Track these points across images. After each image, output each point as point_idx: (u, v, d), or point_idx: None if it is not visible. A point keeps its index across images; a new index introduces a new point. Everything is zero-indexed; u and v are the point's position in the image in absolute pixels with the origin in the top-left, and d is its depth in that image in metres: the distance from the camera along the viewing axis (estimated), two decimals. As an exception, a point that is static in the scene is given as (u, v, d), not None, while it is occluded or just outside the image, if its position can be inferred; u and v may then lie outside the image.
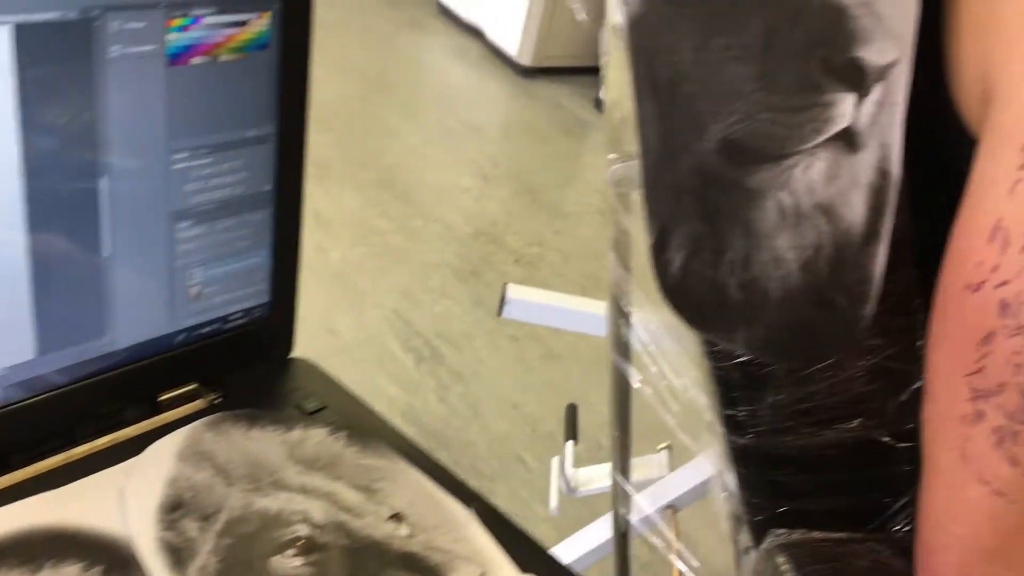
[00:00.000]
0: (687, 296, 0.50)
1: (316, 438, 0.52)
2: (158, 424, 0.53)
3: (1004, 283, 0.44)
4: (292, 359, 0.61)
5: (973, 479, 0.47)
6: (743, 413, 0.58)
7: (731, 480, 0.63)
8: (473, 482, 1.68)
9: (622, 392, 0.75)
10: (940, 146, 0.50)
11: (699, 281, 0.49)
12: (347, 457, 0.51)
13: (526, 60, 3.21)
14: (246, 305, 0.55)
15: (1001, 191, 0.44)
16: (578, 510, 1.31)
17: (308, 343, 1.94)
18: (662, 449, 1.17)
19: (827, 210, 0.47)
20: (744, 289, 0.49)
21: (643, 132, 0.48)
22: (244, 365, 0.57)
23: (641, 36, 0.46)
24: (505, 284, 1.17)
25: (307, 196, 1.89)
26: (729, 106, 0.46)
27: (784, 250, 0.48)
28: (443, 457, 1.67)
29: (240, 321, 0.55)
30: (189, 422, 0.52)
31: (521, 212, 2.44)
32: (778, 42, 0.44)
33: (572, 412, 1.28)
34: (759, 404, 0.58)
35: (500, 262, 2.21)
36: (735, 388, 0.58)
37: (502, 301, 1.15)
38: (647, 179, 0.48)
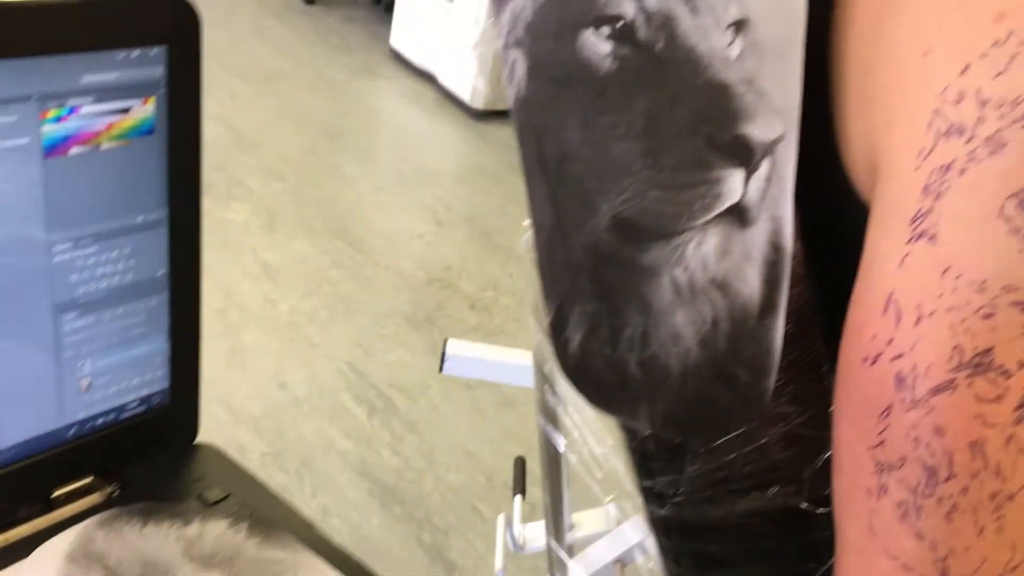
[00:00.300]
0: (587, 375, 0.49)
1: (215, 532, 0.50)
2: (52, 522, 0.51)
3: (899, 356, 0.44)
4: (197, 445, 0.59)
5: (881, 553, 0.46)
6: (661, 483, 0.57)
7: (655, 550, 0.62)
8: (427, 536, 1.65)
9: (551, 456, 0.74)
10: (840, 215, 0.50)
11: (598, 359, 0.48)
12: (247, 551, 0.50)
13: (479, 104, 3.23)
14: (143, 393, 0.54)
15: (892, 264, 0.44)
16: (535, 560, 1.29)
17: (258, 399, 1.91)
18: (610, 501, 1.16)
19: (722, 285, 0.46)
20: (644, 366, 0.48)
21: (534, 211, 0.47)
22: (144, 455, 0.55)
23: (528, 116, 0.45)
24: (445, 340, 1.16)
25: (256, 247, 1.87)
26: (618, 184, 0.45)
27: (682, 326, 0.47)
28: (396, 511, 1.65)
29: (138, 410, 0.54)
30: (85, 517, 0.50)
31: (475, 256, 2.44)
32: (664, 120, 0.44)
33: (521, 465, 1.26)
34: (676, 474, 0.57)
35: (455, 308, 2.20)
36: (651, 458, 0.57)
37: (443, 358, 1.14)
38: (541, 258, 0.48)
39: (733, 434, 0.52)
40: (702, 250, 0.46)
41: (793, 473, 0.56)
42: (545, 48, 0.44)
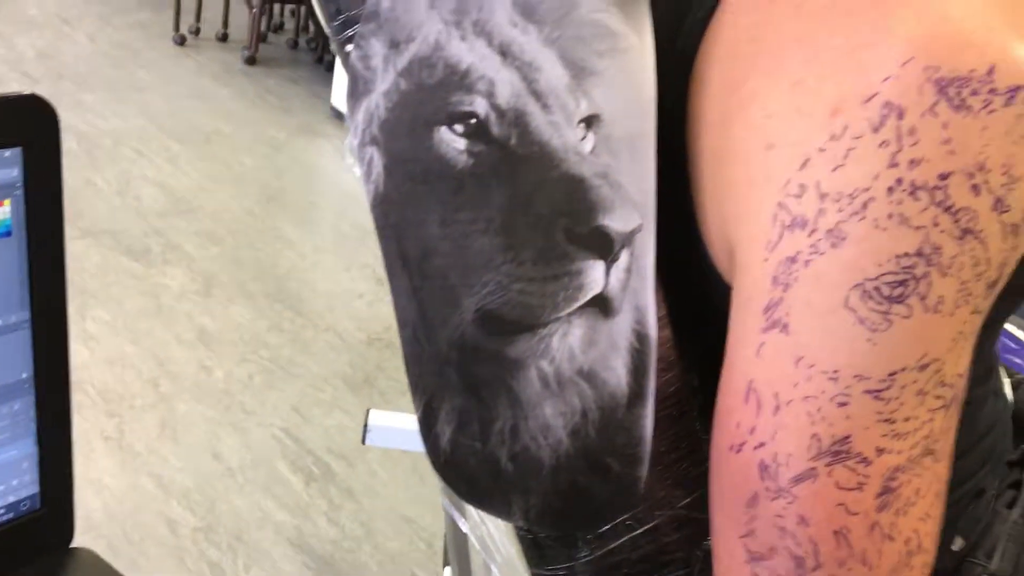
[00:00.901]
0: (459, 470, 0.48)
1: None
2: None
3: (761, 445, 0.44)
4: (72, 550, 0.57)
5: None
6: (551, 570, 0.57)
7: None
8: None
9: (457, 538, 0.73)
10: (708, 298, 0.50)
11: (469, 454, 0.48)
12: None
13: (420, 161, 3.24)
14: (10, 500, 0.52)
15: (750, 352, 0.44)
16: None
17: (190, 471, 1.86)
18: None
19: (589, 375, 0.46)
20: (515, 459, 0.48)
21: (398, 306, 0.47)
22: (14, 563, 0.53)
23: (387, 212, 0.45)
24: (368, 410, 1.14)
25: (192, 313, 1.84)
26: (481, 278, 0.45)
27: (551, 417, 0.47)
28: (333, 583, 1.61)
29: (6, 517, 0.52)
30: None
31: (416, 315, 2.42)
32: (522, 214, 0.44)
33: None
34: (569, 561, 0.57)
35: (395, 368, 2.18)
36: (543, 546, 0.56)
37: (365, 429, 1.12)
38: (407, 353, 0.47)
39: (613, 523, 0.51)
40: (568, 341, 0.46)
41: (683, 556, 0.56)
42: (401, 145, 0.44)
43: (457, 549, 0.71)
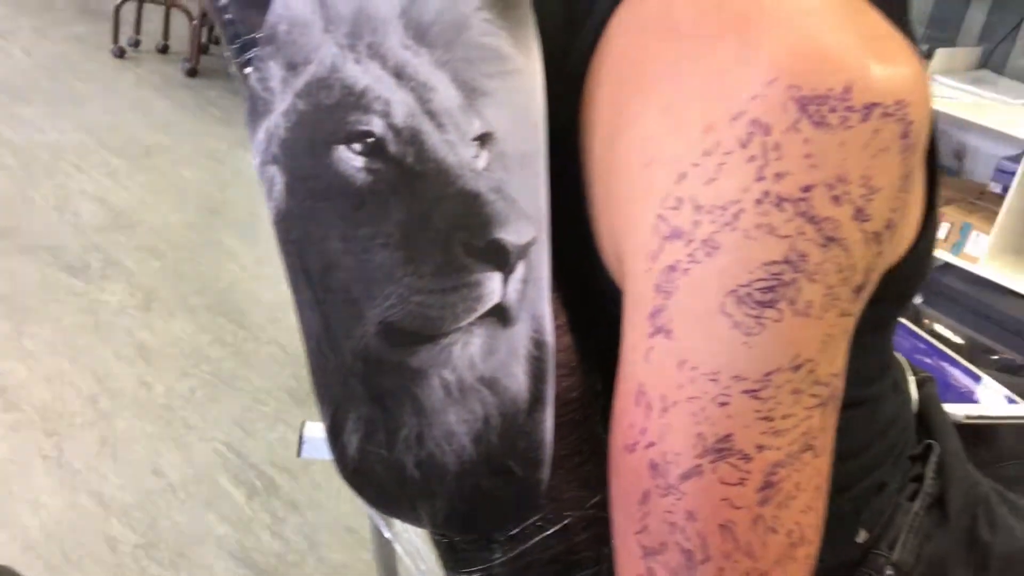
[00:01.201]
0: (367, 478, 0.50)
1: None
2: None
3: (651, 444, 0.46)
4: (-12, 567, 0.57)
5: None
6: (467, 573, 0.58)
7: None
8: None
9: (381, 546, 0.74)
10: (604, 305, 0.53)
11: (377, 462, 0.49)
12: None
13: (365, 171, 3.24)
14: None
15: (639, 357, 0.46)
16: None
17: (130, 488, 1.84)
18: None
19: (490, 383, 0.48)
20: (421, 466, 0.49)
21: (302, 319, 0.48)
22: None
23: (290, 229, 0.47)
24: (303, 422, 1.14)
25: (131, 328, 1.82)
26: (383, 291, 0.47)
27: (455, 424, 0.48)
28: (277, 597, 1.60)
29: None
30: None
31: (361, 326, 2.42)
32: (420, 229, 0.46)
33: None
34: (483, 564, 0.58)
35: (339, 380, 2.18)
36: (457, 550, 0.58)
37: (300, 441, 1.12)
38: (313, 365, 0.48)
39: (519, 524, 0.53)
40: (468, 350, 0.47)
41: (592, 555, 0.58)
42: (301, 164, 0.45)
43: (383, 558, 0.73)
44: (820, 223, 0.42)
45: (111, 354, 2.07)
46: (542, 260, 0.48)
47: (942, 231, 2.00)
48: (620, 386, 0.48)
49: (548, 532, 0.57)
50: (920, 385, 0.81)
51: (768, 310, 0.43)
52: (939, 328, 2.13)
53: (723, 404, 0.44)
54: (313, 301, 0.47)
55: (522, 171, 0.46)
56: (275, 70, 0.45)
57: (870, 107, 0.41)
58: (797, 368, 0.44)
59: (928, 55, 2.21)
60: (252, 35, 0.44)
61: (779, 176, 0.41)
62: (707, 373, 0.44)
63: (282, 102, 0.45)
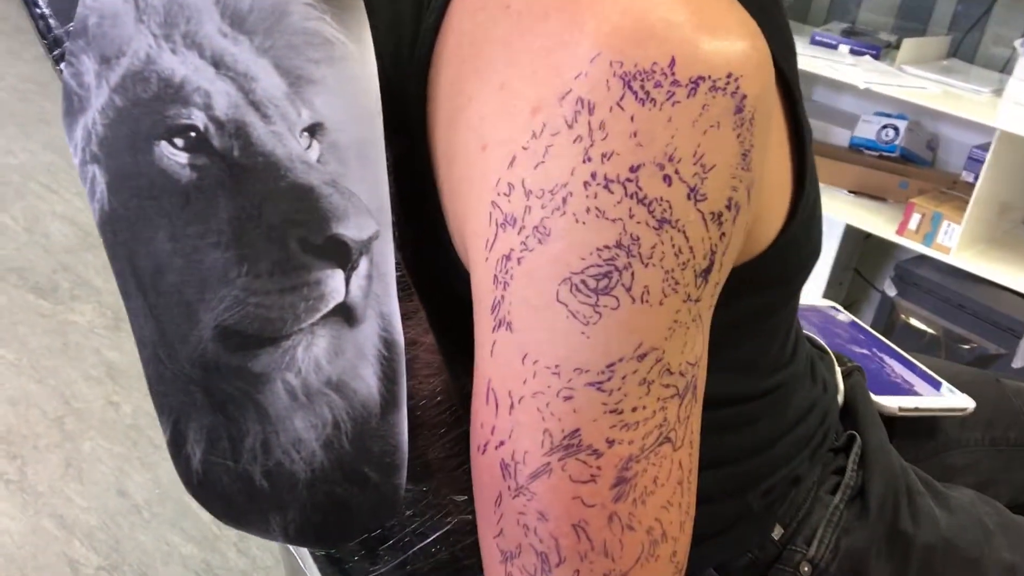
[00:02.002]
0: (213, 490, 0.47)
1: None
2: None
3: (501, 444, 0.44)
4: None
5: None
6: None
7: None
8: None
9: (290, 562, 0.72)
10: (463, 300, 0.50)
11: (222, 473, 0.47)
12: None
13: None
14: None
15: (485, 352, 0.44)
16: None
17: (95, 510, 1.81)
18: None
19: (338, 386, 0.46)
20: (270, 476, 0.47)
21: (136, 326, 0.46)
22: None
23: (116, 230, 0.45)
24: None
25: (100, 348, 1.80)
26: (217, 293, 0.44)
27: (302, 430, 0.46)
28: (243, 616, 1.58)
29: None
30: None
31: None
32: (252, 226, 0.44)
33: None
34: (366, 574, 0.56)
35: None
36: (336, 560, 0.56)
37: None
38: (149, 374, 0.46)
39: (406, 532, 0.51)
40: (313, 352, 0.45)
41: (476, 562, 0.55)
42: (122, 162, 0.43)
43: (292, 572, 0.70)
44: (651, 204, 0.39)
45: (79, 375, 2.05)
46: (387, 255, 0.45)
47: (913, 222, 1.97)
48: (474, 385, 0.45)
49: (430, 539, 0.54)
50: (847, 376, 0.79)
51: (604, 297, 0.40)
52: (913, 321, 2.10)
53: (568, 398, 0.42)
54: (146, 307, 0.45)
55: (359, 162, 0.44)
56: (88, 64, 0.42)
57: (697, 81, 0.39)
58: (642, 357, 0.42)
59: (896, 45, 2.19)
60: (64, 28, 0.42)
61: (605, 156, 0.39)
62: (549, 366, 0.42)
63: (98, 98, 0.43)
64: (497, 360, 0.43)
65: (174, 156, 0.43)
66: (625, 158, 0.39)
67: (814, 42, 2.18)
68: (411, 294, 0.48)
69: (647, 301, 0.40)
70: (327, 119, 0.43)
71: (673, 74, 0.38)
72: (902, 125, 2.19)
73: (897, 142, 2.21)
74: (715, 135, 0.39)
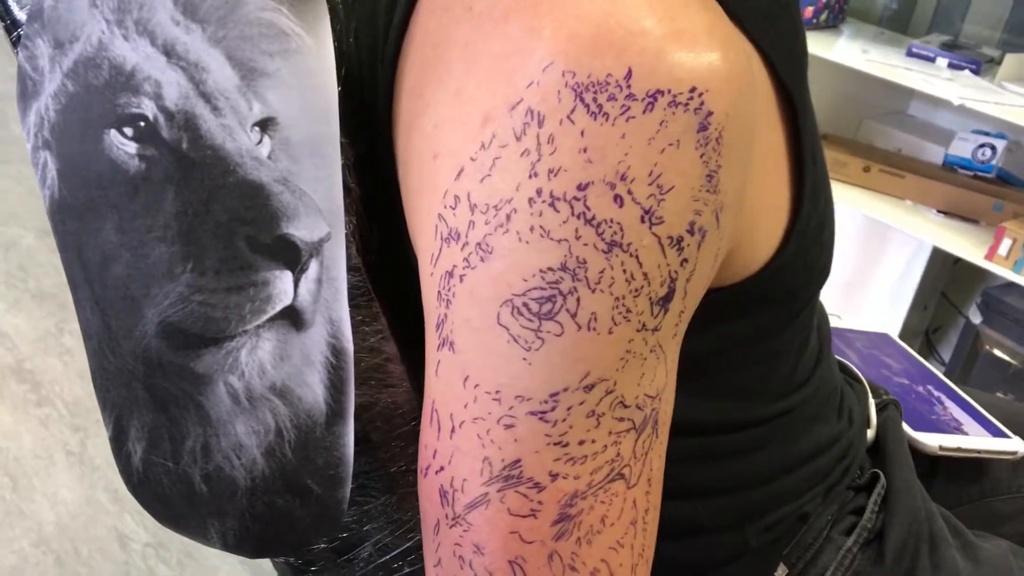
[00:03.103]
0: (152, 490, 0.46)
1: None
2: None
3: (441, 469, 0.41)
4: None
5: None
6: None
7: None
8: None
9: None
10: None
11: (163, 474, 0.46)
12: None
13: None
14: None
15: (431, 372, 0.41)
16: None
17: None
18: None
19: (283, 392, 0.44)
20: (209, 480, 0.45)
21: (82, 317, 0.45)
22: None
23: (65, 219, 0.44)
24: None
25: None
26: (162, 289, 0.43)
27: (244, 436, 0.44)
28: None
29: None
30: None
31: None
32: (199, 222, 0.42)
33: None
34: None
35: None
36: (313, 563, 0.54)
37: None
38: (94, 368, 0.45)
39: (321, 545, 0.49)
40: (258, 355, 0.43)
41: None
42: (73, 150, 0.42)
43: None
44: (600, 226, 0.36)
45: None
46: (337, 259, 0.43)
47: (1004, 247, 1.86)
48: (423, 403, 0.43)
49: (391, 554, 0.52)
50: (881, 409, 0.74)
51: (547, 322, 0.37)
52: (997, 351, 1.98)
53: (509, 426, 0.39)
54: (92, 298, 0.44)
55: (312, 161, 0.42)
56: (43, 48, 0.42)
57: (655, 95, 0.35)
58: (589, 388, 0.38)
59: (999, 61, 2.07)
60: (23, 10, 0.41)
61: (552, 172, 0.36)
62: (490, 391, 0.39)
63: (51, 83, 0.42)
64: (441, 380, 0.40)
65: (123, 146, 0.42)
66: (573, 175, 0.36)
67: (910, 54, 2.08)
68: (371, 300, 0.46)
69: (594, 329, 0.37)
70: (280, 114, 0.42)
71: (629, 87, 0.35)
72: (1000, 145, 2.07)
73: (994, 162, 2.09)
74: (674, 154, 0.36)
